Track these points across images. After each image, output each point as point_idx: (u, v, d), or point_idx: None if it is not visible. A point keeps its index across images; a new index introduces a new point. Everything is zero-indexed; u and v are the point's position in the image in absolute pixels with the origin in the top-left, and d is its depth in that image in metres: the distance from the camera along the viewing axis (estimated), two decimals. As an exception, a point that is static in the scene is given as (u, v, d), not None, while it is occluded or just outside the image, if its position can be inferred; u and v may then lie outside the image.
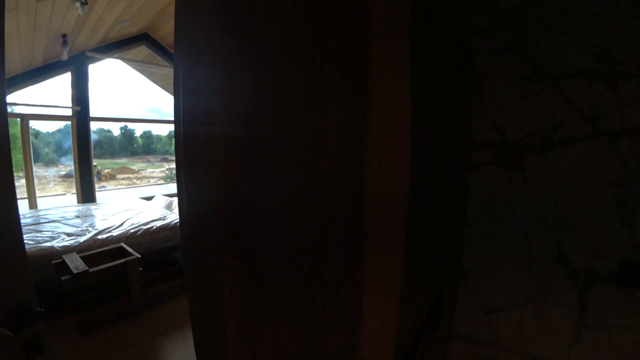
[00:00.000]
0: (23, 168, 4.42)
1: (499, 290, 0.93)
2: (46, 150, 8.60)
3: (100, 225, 3.21)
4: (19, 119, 4.35)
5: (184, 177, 0.56)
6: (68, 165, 7.86)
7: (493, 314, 0.95)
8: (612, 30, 0.72)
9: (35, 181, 4.61)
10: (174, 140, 0.60)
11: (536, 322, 0.89)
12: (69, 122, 4.78)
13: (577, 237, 0.81)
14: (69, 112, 4.72)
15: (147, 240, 3.13)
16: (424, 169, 0.47)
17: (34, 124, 5.98)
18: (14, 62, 3.82)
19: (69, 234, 2.98)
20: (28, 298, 0.82)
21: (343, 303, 0.40)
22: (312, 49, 0.38)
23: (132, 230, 3.09)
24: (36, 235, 2.88)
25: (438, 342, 0.78)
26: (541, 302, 0.88)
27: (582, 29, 0.75)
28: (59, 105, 4.69)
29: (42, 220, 3.35)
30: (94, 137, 5.17)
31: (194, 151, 0.54)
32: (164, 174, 11.28)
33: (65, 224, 3.27)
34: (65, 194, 7.01)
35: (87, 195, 4.85)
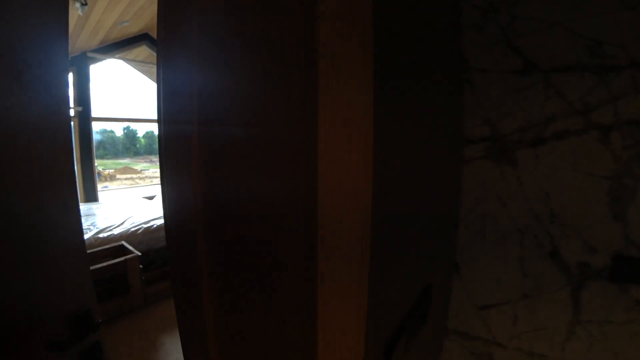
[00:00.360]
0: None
1: (493, 286, 0.92)
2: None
3: (101, 224, 3.22)
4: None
5: (165, 175, 0.56)
6: (71, 165, 7.89)
7: (487, 309, 0.94)
8: (602, 21, 0.71)
9: (38, 181, 4.64)
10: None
11: (530, 318, 0.89)
12: (71, 123, 4.81)
13: (570, 232, 0.81)
14: (70, 113, 4.75)
15: (148, 239, 3.14)
16: (399, 165, 0.47)
17: (37, 125, 6.00)
18: (16, 63, 3.84)
19: (70, 233, 3.00)
20: (89, 305, 0.73)
21: (298, 301, 0.39)
22: (266, 39, 0.37)
23: (132, 229, 3.11)
24: (38, 234, 2.90)
25: (428, 336, 0.78)
26: (535, 297, 0.88)
27: (572, 21, 0.74)
28: (61, 105, 4.72)
29: (44, 220, 3.37)
30: (96, 137, 5.20)
31: (168, 150, 0.54)
32: (166, 174, 11.28)
33: (67, 223, 3.30)
34: (68, 194, 7.05)
35: (89, 195, 4.88)
